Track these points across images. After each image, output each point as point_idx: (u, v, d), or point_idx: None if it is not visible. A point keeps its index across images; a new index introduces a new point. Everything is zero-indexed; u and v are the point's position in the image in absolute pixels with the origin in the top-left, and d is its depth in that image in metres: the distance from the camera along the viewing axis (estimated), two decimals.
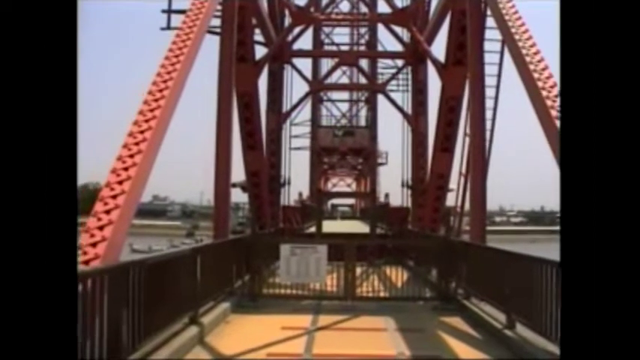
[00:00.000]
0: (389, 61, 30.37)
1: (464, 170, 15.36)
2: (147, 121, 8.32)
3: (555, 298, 6.22)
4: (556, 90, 9.05)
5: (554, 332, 6.25)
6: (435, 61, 19.39)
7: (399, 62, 25.90)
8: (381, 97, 29.85)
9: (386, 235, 22.60)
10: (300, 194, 36.64)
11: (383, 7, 25.12)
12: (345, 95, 46.69)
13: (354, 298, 10.92)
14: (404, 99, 26.35)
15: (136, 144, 7.90)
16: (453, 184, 18.39)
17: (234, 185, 16.71)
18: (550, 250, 9.11)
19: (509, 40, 10.95)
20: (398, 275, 12.29)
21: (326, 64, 38.01)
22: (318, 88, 32.04)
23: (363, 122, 44.42)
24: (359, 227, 29.02)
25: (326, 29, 37.20)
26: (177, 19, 16.84)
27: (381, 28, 28.80)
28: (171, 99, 8.96)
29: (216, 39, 14.06)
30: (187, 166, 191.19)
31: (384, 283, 12.89)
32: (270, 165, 21.95)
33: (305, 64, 35.27)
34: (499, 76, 13.94)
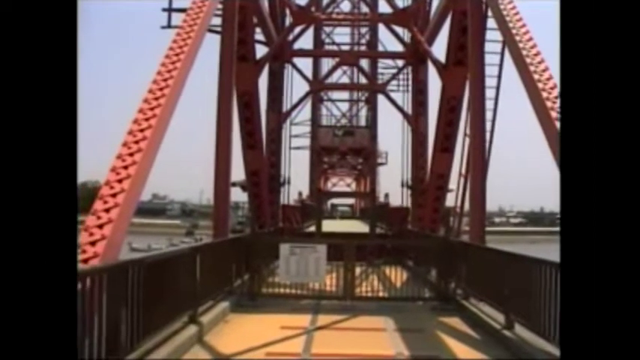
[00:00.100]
0: (389, 61, 30.39)
1: (464, 170, 15.36)
2: (147, 119, 8.32)
3: (554, 298, 6.22)
4: (556, 91, 9.05)
5: (553, 333, 6.25)
6: (435, 62, 19.40)
7: (400, 62, 25.92)
8: (381, 97, 29.89)
9: (385, 235, 22.62)
10: (300, 194, 36.67)
11: (384, 7, 25.17)
12: (345, 95, 46.76)
13: (353, 298, 10.92)
14: (404, 99, 26.41)
15: (136, 142, 7.89)
16: (452, 184, 18.41)
17: (233, 184, 16.71)
18: (550, 251, 9.11)
19: (509, 42, 10.95)
20: (397, 275, 12.30)
21: (326, 63, 38.10)
22: (318, 88, 32.06)
23: (363, 122, 44.44)
24: (358, 227, 29.02)
25: (327, 29, 37.22)
26: (177, 18, 16.85)
27: (381, 28, 28.87)
28: (171, 98, 8.95)
29: (217, 38, 14.05)
30: (187, 165, 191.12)
31: (384, 283, 12.89)
32: (270, 164, 21.96)
33: (305, 64, 35.27)
34: (499, 77, 13.95)
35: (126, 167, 7.49)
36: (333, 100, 45.45)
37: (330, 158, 43.52)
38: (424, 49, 20.82)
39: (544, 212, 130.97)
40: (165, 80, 9.14)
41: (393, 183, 33.33)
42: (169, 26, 19.24)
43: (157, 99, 8.73)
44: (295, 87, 26.93)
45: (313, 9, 23.44)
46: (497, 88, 14.01)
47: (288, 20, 23.14)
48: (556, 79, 9.26)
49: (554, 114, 8.60)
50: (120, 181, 7.28)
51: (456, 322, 9.35)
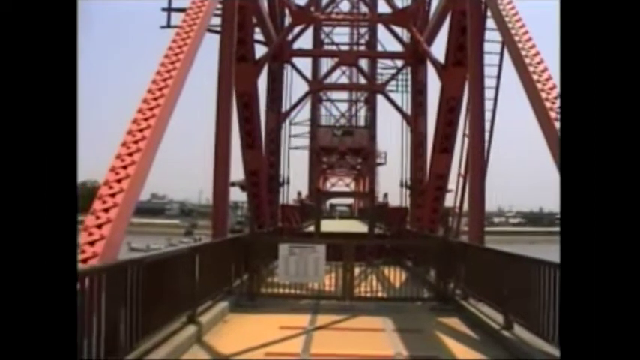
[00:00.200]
0: (389, 62, 30.41)
1: (463, 171, 15.36)
2: (146, 119, 8.32)
3: (553, 298, 6.23)
4: (555, 92, 9.06)
5: (552, 333, 6.26)
6: (434, 62, 19.40)
7: (399, 62, 25.92)
8: (380, 98, 29.88)
9: (384, 235, 22.61)
10: (299, 194, 36.63)
11: (383, 8, 25.15)
12: (344, 95, 46.73)
13: (352, 298, 10.93)
14: (403, 99, 26.39)
15: (135, 142, 7.89)
16: (451, 184, 18.41)
17: (233, 184, 16.69)
18: (549, 251, 9.11)
19: (508, 42, 10.96)
20: (396, 275, 12.30)
21: (326, 63, 38.10)
22: (317, 88, 32.06)
23: (362, 122, 44.46)
24: (357, 227, 29.03)
25: (326, 29, 37.21)
26: (177, 18, 16.85)
27: (381, 29, 28.83)
28: (170, 98, 8.95)
29: (216, 38, 14.05)
30: (186, 165, 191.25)
31: (383, 283, 12.89)
32: (269, 164, 21.96)
33: (305, 64, 35.35)
34: (498, 77, 13.94)
35: (125, 167, 7.49)
36: (332, 100, 45.47)
37: (330, 158, 43.56)
38: (423, 50, 20.82)
39: (543, 212, 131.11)
40: (164, 80, 9.14)
41: (392, 183, 33.41)
42: (169, 26, 19.25)
43: (156, 99, 8.73)
44: (294, 87, 26.99)
45: (312, 9, 23.44)
46: (497, 88, 14.01)
47: (287, 20, 23.13)
48: (555, 80, 9.27)
49: (553, 114, 8.61)
50: (119, 181, 7.28)
51: (454, 322, 9.36)
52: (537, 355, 6.49)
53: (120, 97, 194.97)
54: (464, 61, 15.49)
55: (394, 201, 27.97)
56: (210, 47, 13.14)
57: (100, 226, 6.60)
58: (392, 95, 25.78)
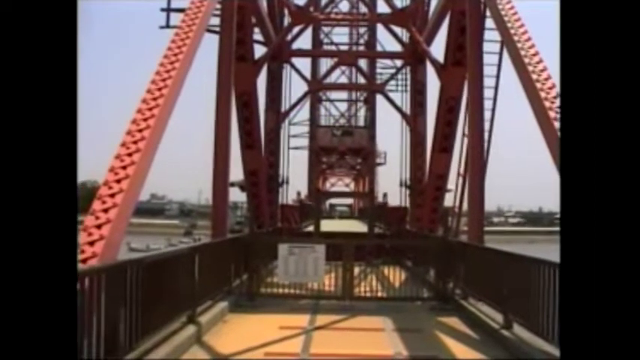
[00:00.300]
0: (388, 61, 30.41)
1: (462, 170, 15.36)
2: (145, 120, 8.32)
3: (552, 298, 6.23)
4: (554, 91, 9.06)
5: (552, 332, 6.26)
6: (434, 62, 19.40)
7: (398, 62, 25.92)
8: (379, 97, 29.82)
9: (384, 234, 22.61)
10: (299, 194, 36.63)
11: (382, 7, 25.15)
12: (343, 95, 46.71)
13: (351, 297, 10.93)
14: (403, 99, 26.37)
15: (135, 143, 7.89)
16: (451, 184, 18.40)
17: (232, 184, 16.69)
18: (549, 250, 9.10)
19: (508, 42, 10.96)
20: (396, 275, 12.29)
21: (325, 63, 38.07)
22: (317, 88, 32.02)
23: (361, 122, 44.43)
24: (357, 227, 29.04)
25: (325, 29, 37.16)
26: (176, 18, 16.83)
27: (380, 28, 28.82)
28: (169, 98, 8.95)
29: (216, 38, 14.04)
30: (186, 165, 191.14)
31: (382, 283, 12.89)
32: (268, 164, 21.95)
33: (304, 64, 35.20)
34: (498, 77, 13.94)
35: (124, 167, 7.49)
36: (331, 100, 45.43)
37: (329, 158, 43.50)
38: (422, 49, 20.82)
39: (543, 212, 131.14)
40: (163, 80, 9.14)
41: (391, 183, 33.33)
42: (168, 26, 19.24)
43: (155, 99, 8.73)
44: (294, 87, 26.95)
45: (312, 9, 23.43)
46: (496, 88, 14.01)
47: (286, 20, 23.13)
48: (554, 79, 9.28)
49: (553, 114, 8.61)
50: (118, 181, 7.28)
51: (454, 321, 9.36)
52: (537, 355, 6.49)
53: (119, 97, 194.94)
54: (463, 60, 15.49)
55: (394, 201, 27.97)
56: (209, 47, 13.16)
57: (99, 227, 6.59)
58: (391, 95, 25.78)
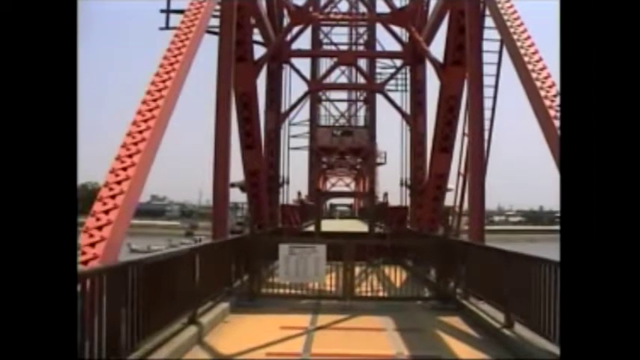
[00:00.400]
0: (387, 61, 30.42)
1: (462, 170, 15.36)
2: (145, 121, 8.32)
3: (553, 297, 6.22)
4: (554, 90, 9.07)
5: (553, 331, 6.26)
6: (433, 61, 19.39)
7: (398, 62, 25.91)
8: (379, 97, 29.82)
9: (385, 234, 22.61)
10: (299, 194, 36.60)
11: (382, 7, 25.13)
12: (343, 95, 46.72)
13: (352, 297, 10.92)
14: (402, 99, 26.38)
15: (135, 144, 7.89)
16: (451, 183, 18.40)
17: (232, 185, 16.69)
18: (550, 249, 9.12)
19: (507, 40, 10.97)
20: (397, 275, 12.29)
21: (325, 63, 38.02)
22: (316, 88, 32.01)
23: (361, 122, 44.40)
24: (358, 226, 29.04)
25: (324, 29, 37.14)
26: (176, 19, 16.84)
27: (379, 28, 28.85)
28: (169, 99, 8.95)
29: (215, 39, 14.05)
30: (186, 166, 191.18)
31: (383, 283, 12.90)
32: (268, 165, 21.94)
33: (304, 64, 35.16)
34: (497, 76, 13.96)
35: (125, 169, 7.49)
36: (331, 100, 45.42)
37: (329, 158, 43.51)
38: (422, 49, 20.81)
39: (543, 211, 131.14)
40: (163, 82, 9.14)
41: (392, 183, 33.40)
42: (167, 27, 19.24)
43: (155, 100, 8.73)
44: (294, 87, 26.95)
45: (311, 9, 23.41)
46: (496, 87, 14.03)
47: (285, 20, 23.12)
48: (554, 78, 9.28)
49: (553, 112, 8.61)
50: (119, 182, 7.28)
51: (455, 321, 9.36)
52: (538, 354, 6.49)
53: (120, 97, 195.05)
54: (463, 60, 15.48)
55: (394, 200, 27.95)
56: (209, 48, 13.16)
57: (100, 228, 6.60)
58: (391, 95, 25.78)
